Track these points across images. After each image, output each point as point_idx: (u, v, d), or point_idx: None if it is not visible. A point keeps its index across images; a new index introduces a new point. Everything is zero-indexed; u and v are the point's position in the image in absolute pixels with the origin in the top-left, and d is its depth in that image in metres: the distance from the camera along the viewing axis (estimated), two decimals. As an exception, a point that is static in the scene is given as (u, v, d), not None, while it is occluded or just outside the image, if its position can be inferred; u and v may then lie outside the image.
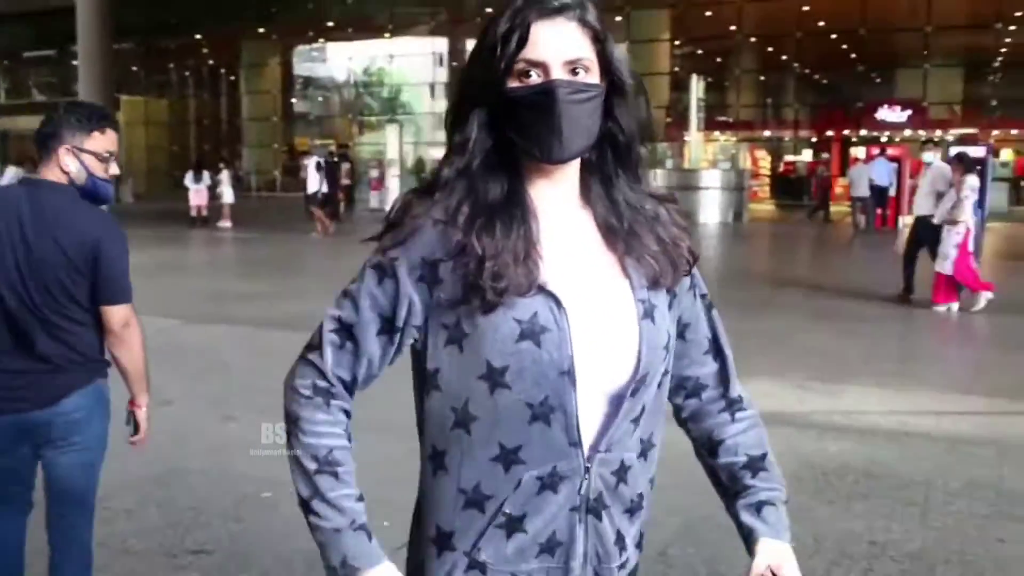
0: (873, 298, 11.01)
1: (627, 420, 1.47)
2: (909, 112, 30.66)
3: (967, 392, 6.67)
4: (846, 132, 32.13)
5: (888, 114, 30.96)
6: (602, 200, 1.51)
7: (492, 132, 1.46)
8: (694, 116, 25.08)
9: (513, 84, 1.42)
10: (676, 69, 32.70)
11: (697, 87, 25.19)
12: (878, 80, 33.49)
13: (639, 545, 1.60)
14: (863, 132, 31.47)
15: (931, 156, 11.22)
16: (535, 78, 1.41)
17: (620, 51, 1.48)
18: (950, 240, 9.84)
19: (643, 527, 1.60)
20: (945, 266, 9.91)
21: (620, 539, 1.53)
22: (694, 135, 25.41)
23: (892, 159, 22.24)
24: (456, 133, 1.48)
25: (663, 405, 1.57)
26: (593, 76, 1.44)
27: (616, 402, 1.45)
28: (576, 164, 1.50)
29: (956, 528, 4.14)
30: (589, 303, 1.44)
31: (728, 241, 19.83)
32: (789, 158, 33.73)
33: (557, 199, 1.50)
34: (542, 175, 1.48)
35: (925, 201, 10.69)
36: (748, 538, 1.55)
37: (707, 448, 1.65)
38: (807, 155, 33.53)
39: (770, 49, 34.02)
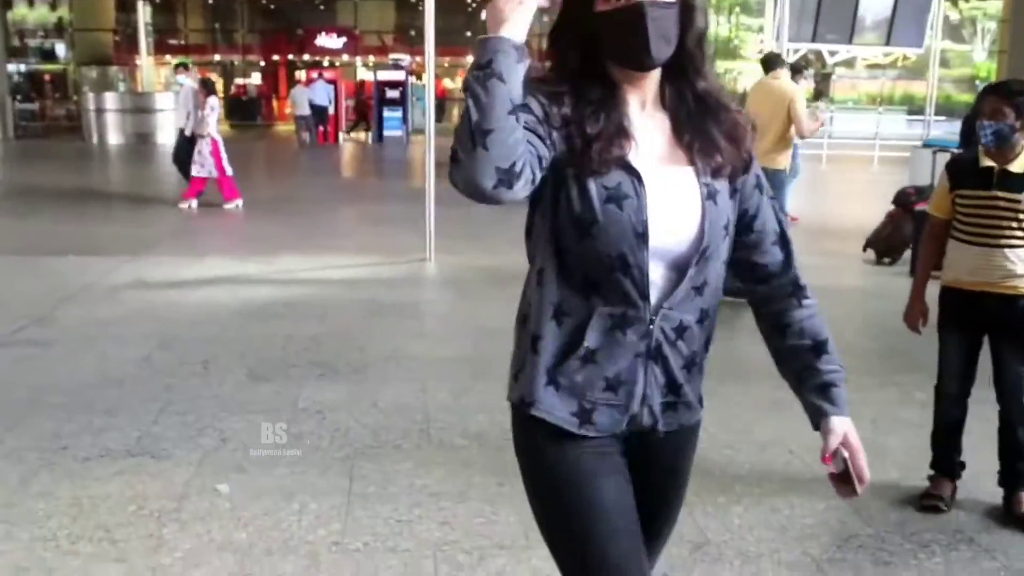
0: (322, 195, 13.26)
1: (690, 287, 1.73)
2: (344, 39, 33.57)
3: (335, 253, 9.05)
4: (291, 56, 34.19)
5: (327, 41, 33.53)
6: (675, 98, 1.77)
7: (587, 50, 1.71)
8: (143, 40, 25.37)
9: (605, 7, 1.67)
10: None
11: (144, 11, 25.44)
12: (322, 8, 35.85)
13: (700, 402, 1.88)
14: (306, 57, 33.76)
15: (183, 78, 12.83)
16: (622, 1, 1.65)
17: None
18: (204, 150, 11.61)
19: (701, 388, 1.87)
20: (202, 171, 11.64)
21: (672, 385, 1.79)
22: (144, 59, 25.73)
23: (330, 81, 24.82)
24: (558, 52, 1.75)
25: (721, 286, 1.81)
26: None
27: (682, 269, 1.71)
28: (655, 72, 1.74)
29: (349, 323, 6.33)
30: (663, 182, 1.70)
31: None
32: (240, 81, 34.88)
33: (640, 99, 1.75)
34: (628, 80, 1.73)
35: (180, 118, 12.34)
36: (816, 415, 1.81)
37: (776, 330, 1.88)
38: (256, 78, 35.02)
39: (216, -27, 34.78)
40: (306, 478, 3.85)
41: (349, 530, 3.42)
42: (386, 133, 24.14)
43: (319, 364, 5.37)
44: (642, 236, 1.66)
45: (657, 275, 1.70)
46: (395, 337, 6.07)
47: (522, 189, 1.56)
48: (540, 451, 1.81)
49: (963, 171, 3.83)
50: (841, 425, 1.77)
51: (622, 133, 1.69)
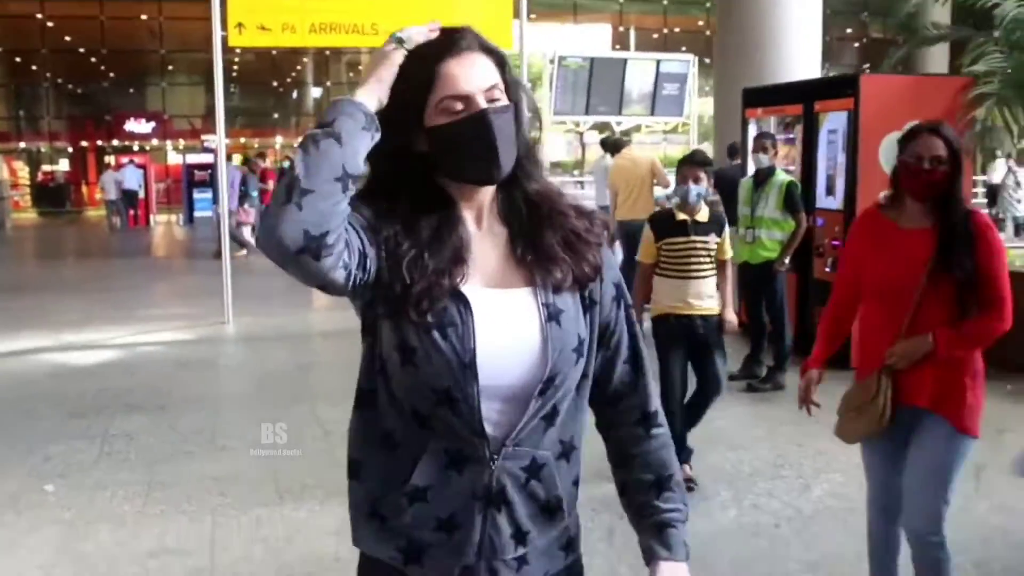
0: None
1: (537, 419, 1.55)
2: (154, 124, 34.09)
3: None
4: (100, 142, 34.28)
5: (135, 125, 33.88)
6: (510, 211, 1.61)
7: (416, 171, 1.55)
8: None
9: (441, 121, 1.51)
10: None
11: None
12: (131, 91, 35.93)
13: (567, 548, 1.68)
14: (115, 142, 33.96)
15: None
16: (460, 109, 1.50)
17: (513, 71, 1.59)
18: None
19: (573, 529, 1.68)
20: None
21: (520, 535, 1.58)
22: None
23: (140, 166, 25.56)
24: (382, 177, 1.54)
25: (583, 409, 1.65)
26: (505, 98, 1.55)
27: (523, 400, 1.53)
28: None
29: (156, 376, 7.46)
30: (496, 307, 1.54)
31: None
32: (47, 168, 34.38)
33: (475, 214, 1.59)
34: (463, 195, 1.57)
35: None
36: (648, 555, 1.64)
37: (621, 459, 1.70)
38: (64, 164, 34.93)
39: (18, 60, 34.60)
40: (117, 477, 5.05)
41: (149, 503, 4.68)
42: (197, 214, 24.83)
43: (128, 405, 6.54)
44: (469, 367, 1.49)
45: (493, 410, 1.53)
46: (195, 383, 7.30)
47: (333, 269, 1.41)
48: None
49: (665, 225, 4.99)
50: (671, 571, 1.61)
51: (457, 261, 1.53)
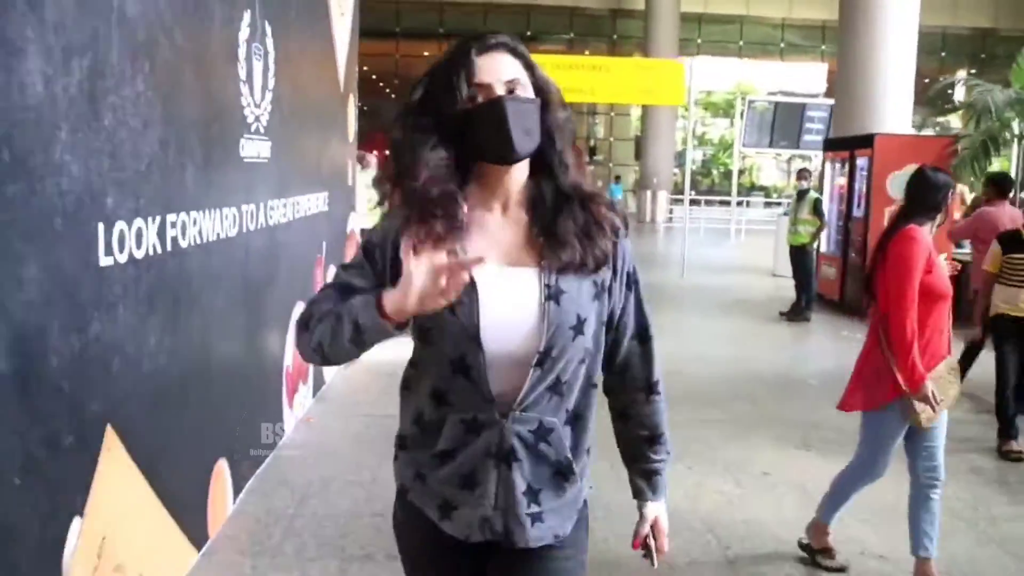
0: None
1: (541, 387, 1.73)
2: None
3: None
4: (387, 151, 41.57)
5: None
6: (536, 196, 1.77)
7: (445, 152, 1.71)
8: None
9: (466, 106, 1.68)
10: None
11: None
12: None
13: (579, 514, 1.88)
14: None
15: None
16: (481, 96, 1.68)
17: (545, 74, 1.76)
18: None
19: (583, 498, 1.88)
20: None
21: (532, 492, 1.79)
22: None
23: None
24: (408, 156, 1.71)
25: (592, 383, 1.84)
26: (529, 92, 1.72)
27: (526, 369, 1.71)
28: (519, 170, 1.75)
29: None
30: (502, 284, 1.71)
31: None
32: None
33: (503, 200, 1.76)
34: (493, 179, 1.74)
35: None
36: (637, 495, 1.98)
37: (620, 416, 1.98)
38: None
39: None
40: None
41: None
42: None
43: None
44: (475, 339, 1.68)
45: (500, 377, 1.71)
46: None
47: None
48: (408, 534, 1.94)
49: (1010, 242, 5.76)
50: (654, 511, 1.97)
51: (450, 229, 1.69)
